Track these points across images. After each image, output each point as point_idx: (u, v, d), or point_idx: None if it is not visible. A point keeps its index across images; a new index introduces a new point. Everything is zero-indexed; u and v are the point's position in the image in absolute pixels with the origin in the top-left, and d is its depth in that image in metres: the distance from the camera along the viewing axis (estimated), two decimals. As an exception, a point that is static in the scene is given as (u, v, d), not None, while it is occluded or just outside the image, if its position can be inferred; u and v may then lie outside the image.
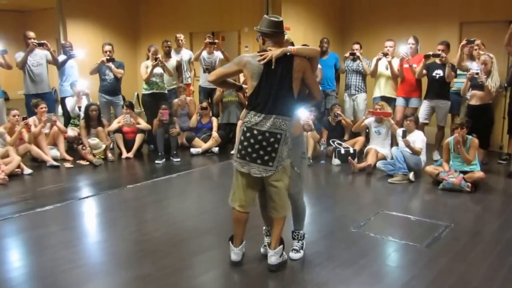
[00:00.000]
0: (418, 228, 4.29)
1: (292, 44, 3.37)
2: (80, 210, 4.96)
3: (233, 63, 3.33)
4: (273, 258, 3.37)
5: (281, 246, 3.42)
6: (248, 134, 3.18)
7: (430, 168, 5.67)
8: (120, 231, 4.26)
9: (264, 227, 3.65)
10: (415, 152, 5.85)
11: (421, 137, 6.00)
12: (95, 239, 4.22)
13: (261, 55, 3.16)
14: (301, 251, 3.61)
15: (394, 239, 3.98)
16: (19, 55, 7.09)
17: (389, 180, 5.70)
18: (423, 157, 5.96)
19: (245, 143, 3.20)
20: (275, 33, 3.21)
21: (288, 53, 3.12)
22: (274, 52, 3.12)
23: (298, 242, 3.63)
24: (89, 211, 4.99)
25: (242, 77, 5.84)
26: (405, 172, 5.70)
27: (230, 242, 3.48)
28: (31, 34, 7.12)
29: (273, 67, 3.11)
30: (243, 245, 3.48)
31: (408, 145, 5.82)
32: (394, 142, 6.53)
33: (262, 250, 3.63)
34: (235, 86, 3.76)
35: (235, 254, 3.44)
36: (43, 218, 4.60)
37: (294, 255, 3.57)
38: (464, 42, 6.22)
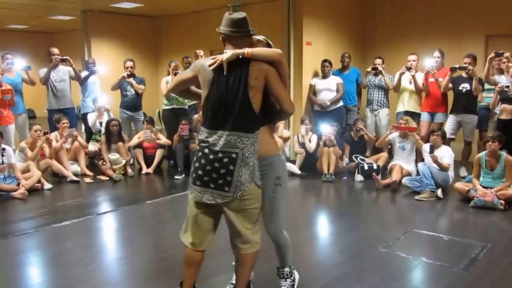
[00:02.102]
0: (453, 248, 3.88)
1: (269, 46, 2.70)
2: (98, 226, 4.70)
3: (190, 68, 2.71)
4: None
5: None
6: (199, 154, 2.55)
7: (459, 185, 5.27)
8: (136, 248, 3.98)
9: (234, 262, 2.92)
10: (443, 168, 5.45)
11: (449, 153, 5.60)
12: (111, 256, 3.94)
13: (213, 59, 2.54)
14: None
15: (428, 260, 3.59)
16: (43, 71, 7.00)
17: (416, 197, 5.30)
18: (451, 173, 5.55)
19: (196, 164, 2.55)
20: (233, 33, 2.55)
21: (241, 56, 2.48)
22: (225, 55, 2.49)
23: (285, 281, 2.92)
24: (107, 227, 4.73)
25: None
26: (432, 189, 5.30)
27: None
28: (55, 50, 7.02)
29: (224, 73, 2.49)
30: None
31: (435, 160, 5.42)
32: (419, 158, 6.14)
33: None
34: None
35: None
36: (60, 234, 4.36)
37: None
38: (492, 54, 5.84)
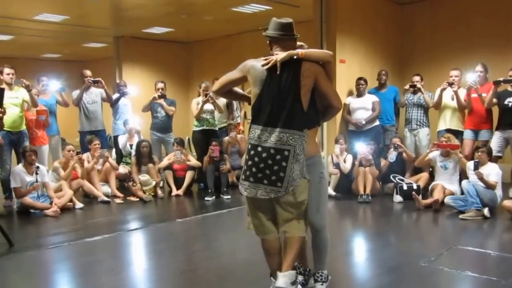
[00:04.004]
0: (501, 263, 3.83)
1: None
2: (128, 240, 4.87)
3: (238, 69, 2.97)
4: (281, 280, 2.82)
5: (294, 271, 2.92)
6: (252, 152, 2.81)
7: (508, 203, 5.18)
8: (166, 260, 4.09)
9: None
10: (490, 186, 5.37)
11: (496, 170, 5.51)
12: (141, 267, 4.08)
13: (265, 59, 2.84)
14: None
15: (474, 274, 3.54)
16: (76, 93, 7.39)
17: (461, 216, 5.22)
18: (498, 192, 5.45)
19: (250, 162, 2.82)
20: (283, 36, 2.88)
21: (295, 57, 2.77)
22: (279, 55, 2.78)
23: (322, 285, 3.04)
24: (137, 242, 4.90)
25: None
26: (478, 207, 5.21)
27: (271, 277, 2.98)
28: (87, 72, 7.42)
29: (278, 72, 2.77)
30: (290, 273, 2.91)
31: (481, 178, 5.35)
32: (463, 178, 6.05)
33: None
34: (246, 98, 3.18)
35: (280, 279, 2.85)
36: (91, 247, 4.56)
37: None
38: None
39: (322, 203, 2.99)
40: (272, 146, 2.75)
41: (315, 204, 2.93)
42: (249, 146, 2.85)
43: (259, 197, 2.80)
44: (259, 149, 2.78)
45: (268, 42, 2.95)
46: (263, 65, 2.81)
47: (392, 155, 6.55)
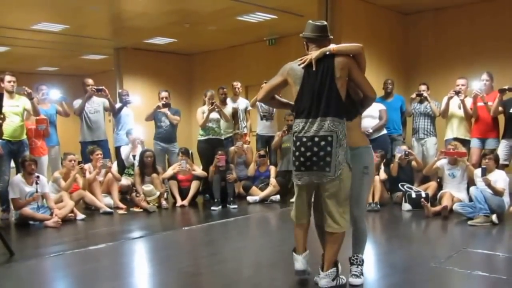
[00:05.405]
0: (510, 263, 4.01)
1: None
2: (133, 248, 5.01)
3: (278, 74, 3.43)
4: (323, 281, 3.24)
5: (335, 268, 3.29)
6: (298, 143, 3.21)
7: (517, 209, 5.36)
8: (173, 266, 4.22)
9: (322, 253, 3.49)
10: (497, 193, 5.55)
11: (503, 177, 5.71)
12: (146, 273, 4.20)
13: (301, 59, 3.28)
14: (362, 277, 3.43)
15: (483, 273, 3.71)
16: (77, 102, 7.47)
17: (469, 222, 5.39)
18: (506, 198, 5.63)
19: (297, 153, 3.22)
20: (319, 37, 3.32)
21: (328, 52, 3.20)
22: (313, 53, 3.23)
23: (357, 267, 3.45)
24: (142, 249, 5.05)
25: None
26: (487, 213, 5.39)
27: (293, 252, 3.42)
28: (90, 81, 7.57)
29: (314, 68, 3.19)
30: (307, 254, 3.40)
31: (488, 184, 5.54)
32: (470, 186, 6.23)
33: (316, 279, 3.41)
34: (289, 106, 3.61)
35: (299, 262, 3.36)
36: (94, 255, 4.68)
37: (355, 280, 3.40)
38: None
39: (362, 197, 3.40)
40: (315, 135, 3.14)
41: (355, 197, 3.32)
42: (294, 139, 3.24)
43: (314, 182, 3.20)
44: (304, 139, 3.18)
45: (304, 43, 3.39)
46: (299, 64, 3.25)
47: (400, 149, 6.79)
